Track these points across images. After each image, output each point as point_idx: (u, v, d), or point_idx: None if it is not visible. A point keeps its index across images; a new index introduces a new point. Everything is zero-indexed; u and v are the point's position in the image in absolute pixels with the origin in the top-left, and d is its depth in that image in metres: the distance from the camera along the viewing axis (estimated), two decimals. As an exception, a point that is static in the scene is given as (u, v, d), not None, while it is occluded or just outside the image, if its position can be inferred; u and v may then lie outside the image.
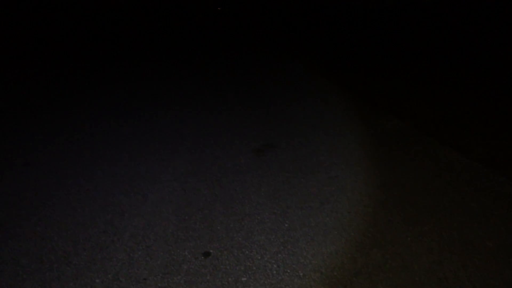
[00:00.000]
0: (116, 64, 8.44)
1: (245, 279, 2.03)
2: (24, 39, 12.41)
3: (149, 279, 2.03)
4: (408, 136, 3.85)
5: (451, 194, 2.74)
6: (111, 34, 13.65)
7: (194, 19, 20.47)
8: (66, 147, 3.87)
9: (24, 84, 6.67)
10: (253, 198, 2.86)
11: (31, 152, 3.76)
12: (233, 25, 17.39)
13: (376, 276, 1.99)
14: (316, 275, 2.03)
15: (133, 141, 4.01)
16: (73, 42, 11.96)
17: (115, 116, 4.85)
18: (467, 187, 2.83)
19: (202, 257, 2.20)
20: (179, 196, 2.91)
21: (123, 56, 9.55)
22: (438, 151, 3.47)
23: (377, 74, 6.63)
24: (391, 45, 9.54)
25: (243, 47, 10.99)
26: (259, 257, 2.20)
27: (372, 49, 9.27)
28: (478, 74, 6.22)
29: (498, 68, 6.44)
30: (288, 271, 2.07)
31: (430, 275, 1.98)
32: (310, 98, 5.45)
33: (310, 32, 13.74)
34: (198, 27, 16.79)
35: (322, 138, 3.97)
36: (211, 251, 2.26)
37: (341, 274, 2.02)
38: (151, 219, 2.60)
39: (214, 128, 4.37)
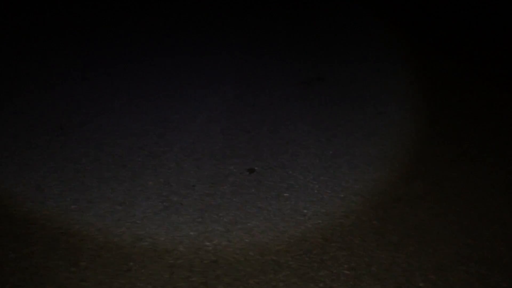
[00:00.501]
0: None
1: (287, 194, 2.11)
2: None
3: (197, 186, 2.16)
4: (463, 77, 3.69)
5: (506, 134, 2.65)
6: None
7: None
8: (123, 65, 4.01)
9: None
10: (299, 125, 2.89)
11: (89, 67, 3.93)
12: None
13: (416, 204, 2.02)
14: (357, 198, 2.08)
15: (186, 68, 4.09)
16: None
17: (177, 42, 4.92)
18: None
19: (247, 173, 2.30)
20: (227, 118, 3.00)
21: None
22: (493, 92, 3.32)
23: (441, 20, 6.24)
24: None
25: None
26: (302, 178, 2.27)
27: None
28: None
29: None
30: (329, 191, 2.14)
31: (471, 209, 1.98)
32: (365, 36, 5.25)
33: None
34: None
35: (373, 74, 3.87)
36: (256, 168, 2.35)
37: (382, 199, 2.06)
38: (200, 136, 2.72)
39: (262, 59, 4.36)
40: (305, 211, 1.99)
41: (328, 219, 1.93)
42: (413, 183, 2.20)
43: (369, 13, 6.67)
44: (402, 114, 3.06)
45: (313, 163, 2.42)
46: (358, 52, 4.61)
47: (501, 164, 2.37)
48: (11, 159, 2.40)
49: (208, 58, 4.38)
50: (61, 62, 4.08)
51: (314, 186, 2.20)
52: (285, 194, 2.12)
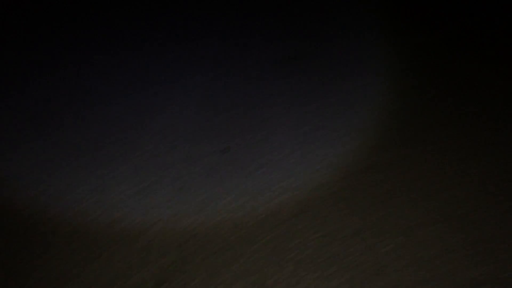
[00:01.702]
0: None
1: (262, 170, 2.14)
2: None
3: (172, 168, 2.18)
4: (440, 51, 3.71)
5: (480, 103, 2.69)
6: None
7: None
8: (95, 52, 3.97)
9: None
10: (275, 103, 2.90)
11: (63, 53, 3.88)
12: None
13: (386, 172, 2.05)
14: (330, 170, 2.11)
15: (159, 53, 4.05)
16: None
17: (149, 27, 4.86)
18: (506, 82, 2.76)
19: (222, 152, 2.32)
20: (201, 100, 2.99)
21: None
22: (463, 65, 3.36)
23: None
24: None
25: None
26: (277, 154, 2.29)
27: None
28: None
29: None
30: (304, 165, 2.17)
31: (439, 173, 2.02)
32: (345, 13, 5.24)
33: None
34: None
35: (352, 51, 3.87)
36: (231, 147, 2.37)
37: (354, 169, 2.10)
38: (174, 119, 2.71)
39: (237, 40, 4.33)
40: (279, 186, 2.01)
41: (302, 193, 1.96)
42: (386, 152, 2.23)
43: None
44: (379, 86, 3.08)
45: (288, 139, 2.44)
46: (338, 30, 4.60)
47: (474, 128, 2.41)
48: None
49: (182, 42, 4.35)
50: (33, 50, 4.02)
51: (289, 161, 2.22)
52: (260, 171, 2.14)
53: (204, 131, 2.56)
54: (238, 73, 3.47)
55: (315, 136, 2.45)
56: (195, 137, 2.47)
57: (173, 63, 3.76)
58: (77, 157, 2.27)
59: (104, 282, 1.55)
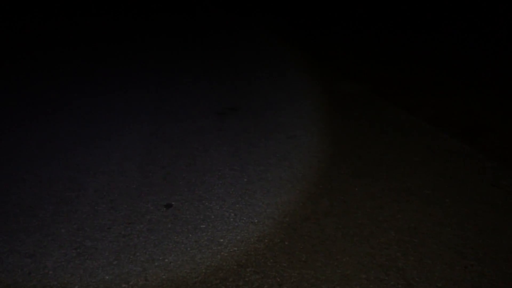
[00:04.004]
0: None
1: (204, 226, 2.18)
2: None
3: (113, 227, 2.15)
4: (363, 98, 4.05)
5: (397, 149, 2.96)
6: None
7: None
8: (31, 109, 3.86)
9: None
10: (214, 156, 2.99)
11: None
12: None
13: (323, 221, 2.18)
14: (269, 221, 2.20)
15: (98, 106, 4.03)
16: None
17: (85, 81, 4.83)
18: (412, 143, 3.06)
19: (164, 209, 2.34)
20: (142, 155, 3.01)
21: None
22: (389, 111, 3.69)
23: (341, 42, 6.78)
24: (359, 17, 9.67)
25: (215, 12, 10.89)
26: (218, 208, 2.35)
27: (340, 19, 9.38)
28: (435, 40, 6.46)
29: (453, 35, 6.70)
30: (244, 218, 2.24)
31: (371, 218, 2.19)
32: (274, 64, 5.55)
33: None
34: None
35: (282, 100, 4.11)
36: (173, 203, 2.39)
37: (292, 220, 2.20)
38: (115, 176, 2.70)
39: (177, 91, 4.44)
40: (221, 240, 2.06)
41: (243, 246, 2.02)
42: (321, 201, 2.37)
43: (282, 43, 7.07)
44: (309, 136, 3.28)
45: (228, 192, 2.51)
46: (271, 81, 4.86)
47: (393, 176, 2.64)
48: None
49: (122, 94, 4.37)
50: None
51: (230, 214, 2.28)
52: (201, 226, 2.18)
53: (146, 186, 2.57)
54: (178, 126, 3.54)
55: (254, 188, 2.55)
56: (136, 194, 2.47)
57: (110, 117, 3.76)
58: (12, 221, 2.17)
59: None
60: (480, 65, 5.07)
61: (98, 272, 1.83)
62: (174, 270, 1.85)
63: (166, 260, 1.91)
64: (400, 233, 2.06)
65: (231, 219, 2.24)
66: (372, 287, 1.71)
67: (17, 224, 2.17)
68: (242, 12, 11.64)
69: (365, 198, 2.38)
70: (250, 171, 2.76)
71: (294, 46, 6.64)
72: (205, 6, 12.65)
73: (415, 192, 2.42)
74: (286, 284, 1.73)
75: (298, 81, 4.79)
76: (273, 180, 2.64)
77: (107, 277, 1.80)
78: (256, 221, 2.21)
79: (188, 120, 3.65)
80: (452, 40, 6.40)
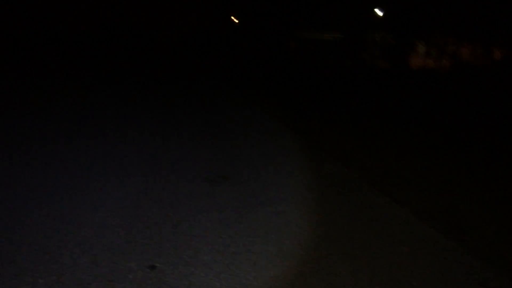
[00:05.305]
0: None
1: (188, 292, 2.11)
2: None
3: (93, 284, 2.06)
4: (351, 183, 4.14)
5: (385, 237, 2.98)
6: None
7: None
8: (16, 154, 3.82)
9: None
10: (203, 221, 2.96)
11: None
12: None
13: (311, 301, 2.14)
14: (256, 295, 2.14)
15: (89, 158, 4.02)
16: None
17: (82, 137, 4.84)
18: (400, 233, 3.10)
19: (148, 270, 2.26)
20: (129, 212, 2.96)
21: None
22: (377, 199, 3.76)
23: (332, 125, 7.06)
24: (349, 101, 10.17)
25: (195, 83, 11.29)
26: (203, 275, 2.29)
27: (330, 102, 9.84)
28: (428, 131, 6.78)
29: (448, 126, 7.06)
30: (230, 290, 2.18)
31: (358, 304, 2.15)
32: (265, 139, 5.71)
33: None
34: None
35: (272, 175, 4.18)
36: (157, 265, 2.33)
37: (279, 297, 2.15)
38: (99, 230, 2.63)
39: (170, 156, 4.47)
40: (205, 310, 1.99)
41: (228, 318, 1.95)
42: (308, 281, 2.34)
43: (272, 120, 7.32)
44: (297, 213, 3.30)
45: (215, 260, 2.46)
46: (261, 153, 4.96)
47: (381, 263, 2.64)
48: None
49: (115, 149, 4.39)
50: None
51: (215, 284, 2.22)
52: (186, 292, 2.11)
53: (130, 245, 2.50)
54: (167, 188, 3.53)
55: (242, 258, 2.51)
56: (120, 251, 2.40)
57: (101, 170, 3.74)
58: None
59: None
60: (471, 159, 5.32)
61: (74, 330, 1.72)
62: (154, 336, 1.75)
63: (147, 325, 1.82)
64: None
65: (217, 289, 2.17)
66: None
67: (-7, 269, 2.07)
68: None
69: (353, 283, 2.36)
70: (237, 241, 2.73)
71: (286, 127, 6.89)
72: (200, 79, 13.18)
73: (403, 282, 2.42)
74: None
75: (286, 160, 4.90)
76: (261, 253, 2.61)
77: (83, 337, 1.69)
78: (242, 293, 2.15)
79: (179, 182, 3.65)
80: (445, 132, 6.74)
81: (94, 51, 17.63)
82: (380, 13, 21.12)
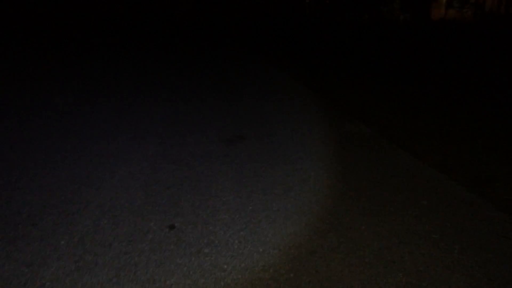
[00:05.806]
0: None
1: (207, 250, 2.12)
2: None
3: (114, 244, 2.09)
4: (371, 140, 4.06)
5: (404, 192, 2.93)
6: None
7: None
8: (38, 118, 3.85)
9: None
10: (220, 181, 2.96)
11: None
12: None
13: (329, 256, 2.13)
14: (275, 252, 2.15)
15: (107, 122, 4.02)
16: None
17: (95, 98, 4.84)
18: (419, 187, 3.04)
19: (167, 229, 2.28)
20: (147, 174, 2.98)
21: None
22: (397, 155, 3.69)
23: (351, 84, 6.89)
24: (370, 60, 9.88)
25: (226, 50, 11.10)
26: (222, 233, 2.30)
27: (353, 62, 9.58)
28: (448, 89, 6.57)
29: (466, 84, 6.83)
30: (249, 246, 2.19)
31: (379, 258, 2.14)
32: (284, 98, 5.61)
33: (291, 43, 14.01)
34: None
35: (291, 134, 4.12)
36: (176, 224, 2.34)
37: (298, 252, 2.15)
38: (119, 192, 2.66)
39: (187, 117, 4.45)
40: (225, 266, 2.00)
41: (248, 274, 1.96)
42: (327, 236, 2.33)
43: (289, 79, 7.18)
44: (316, 171, 3.27)
45: (233, 219, 2.47)
46: (278, 114, 4.89)
47: (401, 218, 2.61)
48: None
49: (132, 113, 4.38)
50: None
51: (234, 241, 2.23)
52: (205, 250, 2.12)
53: (149, 205, 2.52)
54: (184, 149, 3.52)
55: (260, 216, 2.50)
56: (139, 212, 2.42)
57: (117, 133, 3.75)
58: (11, 228, 2.11)
59: None
60: (491, 113, 5.14)
61: (97, 288, 1.76)
62: (175, 293, 1.78)
63: (168, 282, 1.85)
64: (408, 276, 2.01)
65: (235, 246, 2.18)
66: (380, 328, 1.65)
67: (16, 232, 2.11)
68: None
69: (372, 237, 2.34)
70: (255, 200, 2.72)
71: (304, 85, 6.75)
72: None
73: (423, 235, 2.38)
74: (292, 317, 1.66)
75: (305, 119, 4.82)
76: (279, 210, 2.60)
77: (106, 294, 1.73)
78: (261, 250, 2.16)
79: (195, 144, 3.64)
80: (461, 92, 6.52)
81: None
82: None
